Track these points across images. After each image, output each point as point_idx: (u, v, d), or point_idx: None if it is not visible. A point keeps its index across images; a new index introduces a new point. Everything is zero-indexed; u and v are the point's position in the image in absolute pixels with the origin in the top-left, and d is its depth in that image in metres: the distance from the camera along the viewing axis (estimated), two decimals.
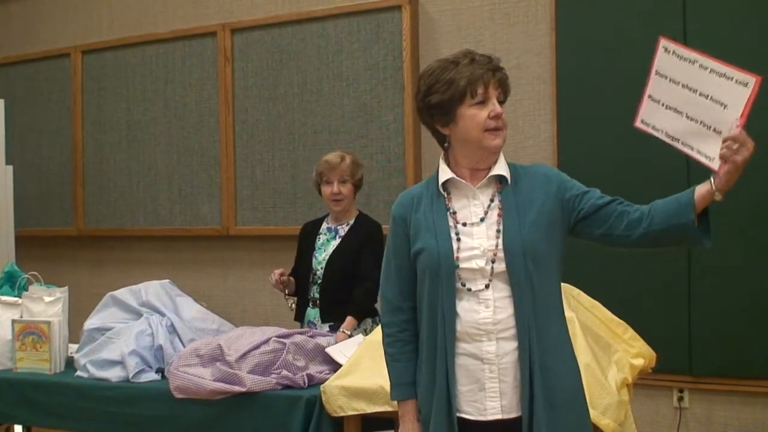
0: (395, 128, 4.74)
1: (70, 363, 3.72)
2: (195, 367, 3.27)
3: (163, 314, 3.63)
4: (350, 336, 3.64)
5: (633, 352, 3.25)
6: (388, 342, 2.45)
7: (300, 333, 3.43)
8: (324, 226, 4.02)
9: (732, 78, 2.16)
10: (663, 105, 2.30)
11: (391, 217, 2.44)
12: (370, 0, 4.83)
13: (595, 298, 3.39)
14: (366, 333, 3.79)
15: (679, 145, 2.30)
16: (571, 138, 4.38)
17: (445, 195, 2.35)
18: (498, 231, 2.27)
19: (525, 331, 2.22)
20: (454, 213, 2.33)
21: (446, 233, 2.30)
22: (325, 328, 3.82)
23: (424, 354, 2.34)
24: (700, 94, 2.21)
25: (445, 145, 2.37)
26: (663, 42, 2.32)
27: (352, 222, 3.97)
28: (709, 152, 2.23)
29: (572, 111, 4.38)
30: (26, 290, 3.90)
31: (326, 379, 3.14)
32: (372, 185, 4.79)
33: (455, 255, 2.27)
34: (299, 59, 5.05)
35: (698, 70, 2.22)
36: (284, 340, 3.31)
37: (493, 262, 2.25)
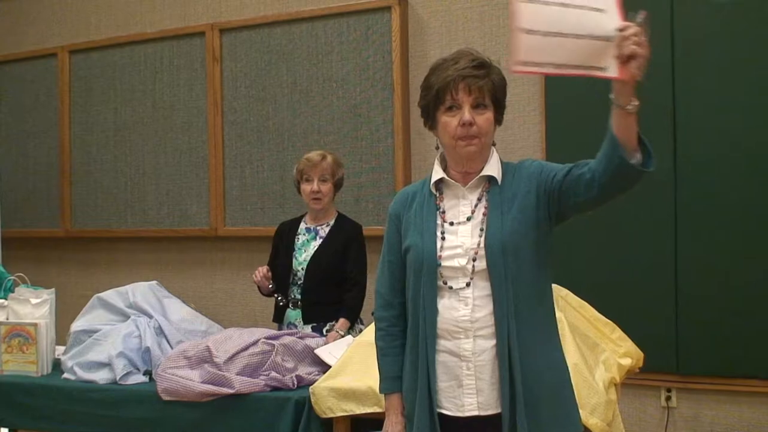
0: (385, 129, 4.74)
1: (57, 365, 3.70)
2: (183, 369, 3.26)
3: (150, 316, 3.62)
4: (342, 336, 3.65)
5: (621, 351, 3.26)
6: (378, 336, 2.50)
7: (289, 334, 3.42)
8: (302, 226, 4.00)
9: None
10: (542, 33, 2.07)
11: (387, 213, 2.49)
12: (359, 1, 4.83)
13: (582, 298, 3.40)
14: (349, 333, 3.81)
15: (568, 70, 2.14)
16: (560, 138, 4.38)
17: (437, 194, 2.38)
18: (481, 230, 2.29)
19: (504, 330, 2.22)
20: (443, 212, 2.36)
21: (432, 232, 2.33)
22: (308, 329, 3.80)
23: (408, 349, 2.38)
24: (575, 7, 2.06)
25: (436, 147, 2.41)
26: None
27: (332, 222, 3.97)
28: (601, 63, 2.13)
29: (561, 111, 4.39)
30: (13, 292, 3.88)
31: (315, 381, 3.13)
32: (361, 186, 4.79)
33: (438, 254, 2.30)
34: (288, 59, 5.04)
35: None
36: (273, 342, 3.30)
37: (474, 260, 2.27)
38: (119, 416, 3.34)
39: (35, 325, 3.63)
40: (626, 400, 4.15)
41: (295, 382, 3.22)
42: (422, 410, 2.29)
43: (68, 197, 5.81)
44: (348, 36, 4.85)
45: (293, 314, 3.89)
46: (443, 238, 2.31)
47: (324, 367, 3.27)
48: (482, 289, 2.26)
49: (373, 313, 2.56)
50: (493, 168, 2.34)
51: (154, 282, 3.86)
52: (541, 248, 2.30)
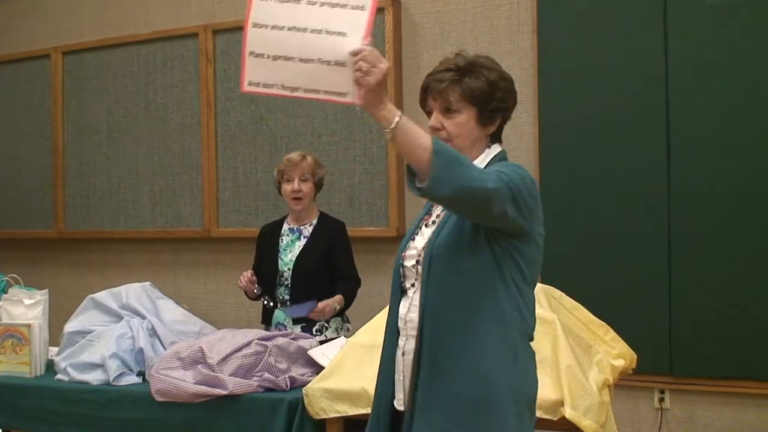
0: (378, 130, 4.74)
1: (50, 366, 3.69)
2: (176, 370, 3.25)
3: (143, 317, 3.61)
4: (336, 309, 3.80)
5: (614, 353, 3.27)
6: None
7: (282, 335, 3.42)
8: (285, 227, 4.03)
9: (346, 5, 2.07)
10: (269, 57, 2.12)
11: None
12: None
13: (576, 300, 3.40)
14: (337, 332, 3.90)
15: (301, 93, 2.12)
16: (553, 142, 4.39)
17: None
18: (434, 232, 2.31)
19: (426, 332, 2.23)
20: (429, 213, 2.40)
21: (411, 231, 2.38)
22: (297, 329, 3.83)
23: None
24: (312, 31, 2.08)
25: None
26: None
27: (315, 222, 4.00)
28: (340, 88, 2.08)
29: (554, 115, 4.39)
30: (6, 293, 3.87)
31: (308, 382, 3.13)
32: (355, 187, 4.79)
33: (402, 253, 2.35)
34: None
35: (306, 7, 2.09)
36: (266, 343, 3.30)
37: (418, 263, 2.29)
38: (112, 417, 3.33)
39: (28, 326, 3.63)
40: (619, 402, 4.16)
41: (289, 383, 3.21)
42: (383, 399, 2.37)
43: (61, 198, 5.79)
44: None
45: (281, 314, 3.92)
46: (413, 239, 2.35)
47: (317, 368, 3.27)
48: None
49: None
50: None
51: (148, 283, 3.85)
52: (479, 259, 2.19)
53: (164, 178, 5.45)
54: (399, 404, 2.34)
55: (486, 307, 2.19)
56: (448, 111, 2.29)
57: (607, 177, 4.26)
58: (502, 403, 2.18)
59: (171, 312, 3.72)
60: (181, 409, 3.22)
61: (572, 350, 2.98)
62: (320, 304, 3.70)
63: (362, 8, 2.05)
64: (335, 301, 3.79)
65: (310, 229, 3.98)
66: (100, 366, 3.44)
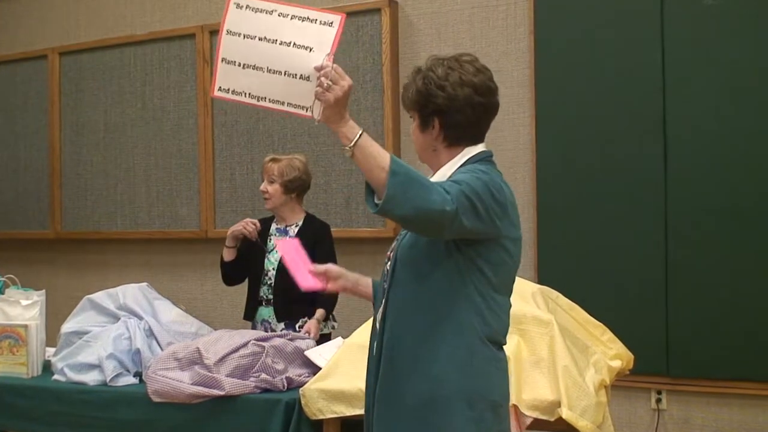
0: (375, 131, 4.74)
1: (47, 367, 3.69)
2: (173, 371, 3.25)
3: (140, 317, 3.61)
4: (323, 324, 3.87)
5: (611, 353, 3.27)
6: None
7: (279, 336, 3.42)
8: (273, 227, 4.08)
9: (316, 20, 2.11)
10: (239, 65, 2.17)
11: None
12: (349, 2, 4.83)
13: (573, 300, 3.40)
14: (331, 328, 4.00)
15: (267, 104, 2.17)
16: (550, 141, 4.40)
17: None
18: (399, 236, 2.34)
19: (387, 334, 2.27)
20: None
21: (402, 232, 2.39)
22: (281, 326, 3.90)
23: None
24: (281, 43, 2.12)
25: None
26: None
27: (300, 223, 4.05)
28: (303, 102, 2.12)
29: (551, 114, 4.40)
30: (3, 293, 3.87)
31: (305, 382, 3.13)
32: (351, 188, 4.79)
33: (387, 253, 2.37)
34: None
35: (277, 19, 2.13)
36: (263, 344, 3.30)
37: (387, 263, 2.33)
38: (109, 418, 3.33)
39: (25, 326, 3.62)
40: (616, 402, 4.16)
41: (286, 384, 3.21)
42: (368, 392, 2.39)
43: (58, 199, 5.79)
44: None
45: (265, 312, 3.98)
46: (397, 240, 2.37)
47: (314, 368, 3.27)
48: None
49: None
50: (434, 178, 2.30)
51: (145, 284, 3.85)
52: (440, 264, 2.21)
53: (161, 178, 5.45)
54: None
55: (444, 310, 2.21)
56: (422, 118, 2.32)
57: (603, 177, 4.26)
58: (450, 404, 2.19)
59: (168, 313, 3.72)
60: (178, 410, 3.21)
61: (569, 351, 2.99)
62: (306, 327, 3.76)
63: (330, 24, 2.09)
64: (318, 319, 3.84)
65: (296, 229, 4.02)
66: (97, 367, 3.44)
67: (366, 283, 2.56)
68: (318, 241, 3.95)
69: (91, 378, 3.43)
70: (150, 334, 3.56)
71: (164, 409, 3.23)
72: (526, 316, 3.06)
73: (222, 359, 3.22)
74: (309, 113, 2.11)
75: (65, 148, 5.78)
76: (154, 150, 5.47)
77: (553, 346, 2.96)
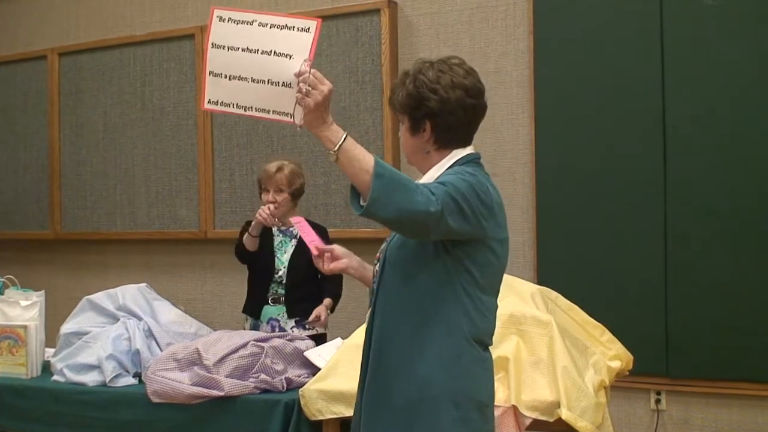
0: (374, 131, 4.74)
1: (46, 367, 3.69)
2: (172, 372, 3.25)
3: (140, 318, 3.61)
4: (329, 313, 4.01)
5: (610, 354, 3.27)
6: None
7: (278, 337, 3.42)
8: (274, 228, 4.13)
9: (294, 27, 2.14)
10: (226, 77, 2.22)
11: None
12: (348, 3, 4.83)
13: (572, 301, 3.40)
14: (325, 327, 4.06)
15: (254, 113, 2.21)
16: (549, 141, 4.39)
17: None
18: (389, 236, 2.36)
19: (375, 334, 2.29)
20: None
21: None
22: (291, 323, 3.99)
23: None
24: (263, 53, 2.17)
25: None
26: (216, 12, 2.24)
27: None
28: (286, 108, 2.16)
29: (550, 114, 4.40)
30: (2, 294, 3.87)
31: (305, 383, 3.13)
32: (349, 189, 4.78)
33: (377, 254, 2.38)
34: None
35: (258, 29, 2.18)
36: (262, 344, 3.30)
37: (376, 264, 2.35)
38: (109, 418, 3.33)
39: (25, 327, 3.62)
40: (616, 403, 4.16)
41: (285, 385, 3.21)
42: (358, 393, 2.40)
43: (58, 199, 5.79)
44: (337, 38, 4.85)
45: (273, 310, 4.04)
46: (390, 242, 2.37)
47: (313, 369, 3.27)
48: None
49: None
50: (422, 179, 2.31)
51: (144, 284, 3.86)
52: (428, 265, 2.22)
53: (160, 179, 5.44)
54: None
55: (431, 311, 2.22)
56: (411, 122, 2.32)
57: (603, 178, 4.26)
58: (437, 404, 2.20)
59: (167, 313, 3.73)
60: (177, 411, 3.21)
61: (568, 351, 2.99)
62: (315, 312, 3.92)
63: (307, 30, 2.13)
64: (327, 306, 3.99)
65: (297, 231, 4.09)
66: (97, 367, 3.44)
67: (372, 269, 2.56)
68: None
69: (90, 379, 3.43)
70: (149, 334, 3.56)
71: (163, 410, 3.23)
72: (525, 317, 3.06)
73: (221, 360, 3.22)
74: (291, 120, 2.14)
75: (65, 149, 5.78)
76: (154, 150, 5.47)
77: (553, 347, 2.97)
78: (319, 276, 4.02)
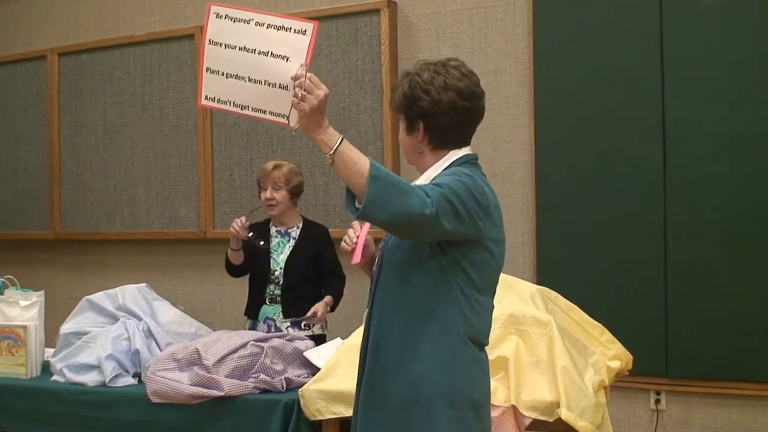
0: (374, 132, 4.74)
1: (46, 367, 3.69)
2: (172, 372, 3.25)
3: (139, 318, 3.61)
4: (328, 311, 4.02)
5: (610, 354, 3.27)
6: None
7: (278, 337, 3.42)
8: (273, 230, 4.17)
9: (291, 28, 2.14)
10: (223, 74, 2.23)
11: None
12: (348, 3, 4.83)
13: (572, 301, 3.40)
14: (321, 329, 4.11)
15: (250, 113, 2.23)
16: (549, 141, 4.39)
17: None
18: (385, 237, 2.38)
19: (372, 334, 2.32)
20: None
21: None
22: (286, 324, 4.01)
23: None
24: (260, 53, 2.17)
25: None
26: (213, 8, 2.23)
27: (300, 225, 4.19)
28: (282, 110, 2.18)
29: (550, 114, 4.40)
30: (2, 294, 3.87)
31: (304, 383, 3.14)
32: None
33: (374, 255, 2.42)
34: None
35: (255, 28, 2.17)
36: (262, 344, 3.30)
37: (374, 263, 2.37)
38: (108, 418, 3.33)
39: (24, 327, 3.62)
40: (615, 403, 4.16)
41: (285, 385, 3.22)
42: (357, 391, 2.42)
43: (57, 199, 5.79)
44: (337, 39, 4.85)
45: (270, 310, 4.08)
46: (387, 242, 2.38)
47: (313, 369, 3.28)
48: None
49: None
50: (419, 180, 2.32)
51: (144, 284, 3.86)
52: (424, 265, 2.23)
53: (160, 179, 5.44)
54: None
55: (428, 310, 2.23)
56: (407, 123, 2.34)
57: (602, 178, 4.26)
58: (432, 403, 2.21)
59: (167, 313, 3.73)
60: (177, 411, 3.21)
61: (568, 351, 2.99)
62: (313, 308, 3.93)
63: (304, 33, 2.12)
64: (327, 303, 4.01)
65: (297, 231, 4.16)
66: (96, 367, 3.44)
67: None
68: (322, 245, 4.15)
69: (90, 379, 3.44)
70: (149, 334, 3.56)
71: (163, 410, 3.24)
72: (525, 317, 3.06)
73: (221, 360, 3.22)
74: (287, 122, 2.16)
75: (64, 149, 5.77)
76: (154, 150, 5.46)
77: (552, 347, 2.97)
78: (324, 273, 4.09)
